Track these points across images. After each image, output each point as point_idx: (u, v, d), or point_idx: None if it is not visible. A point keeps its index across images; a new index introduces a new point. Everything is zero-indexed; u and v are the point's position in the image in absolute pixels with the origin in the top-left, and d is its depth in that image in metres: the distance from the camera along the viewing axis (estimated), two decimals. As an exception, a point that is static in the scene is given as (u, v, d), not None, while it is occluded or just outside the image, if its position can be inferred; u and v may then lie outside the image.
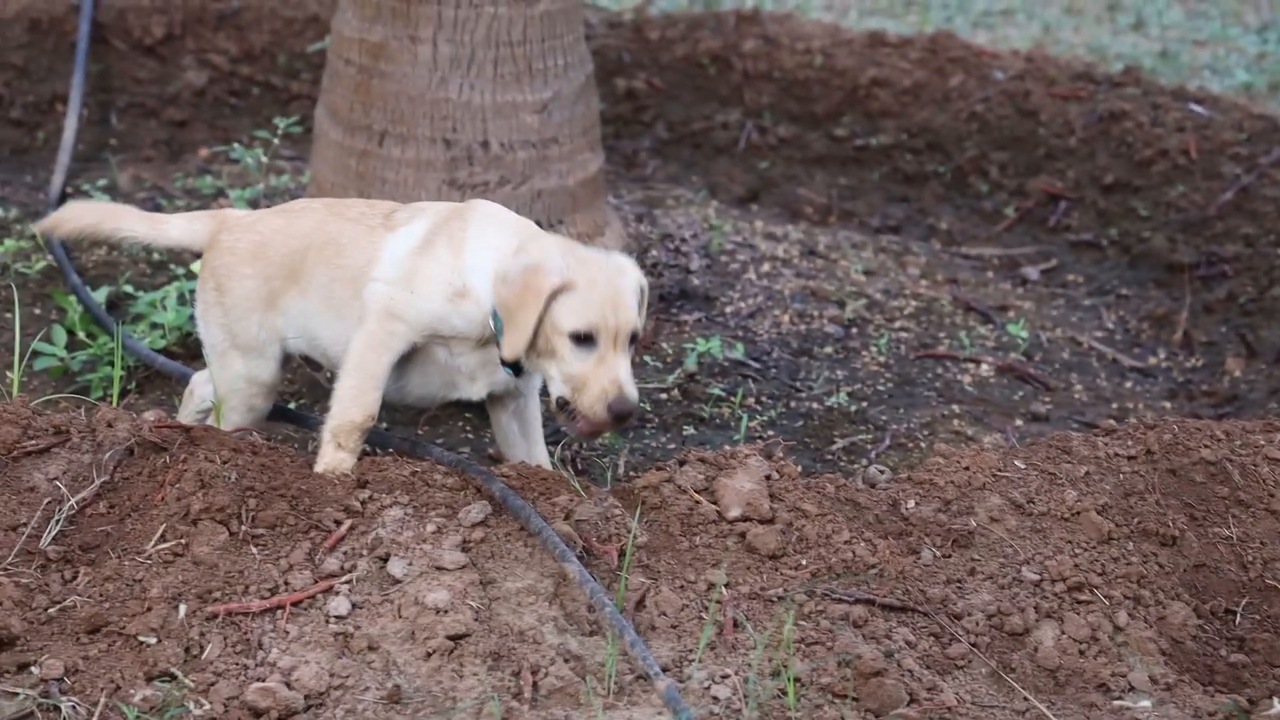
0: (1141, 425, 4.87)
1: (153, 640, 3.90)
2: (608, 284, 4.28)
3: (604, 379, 4.23)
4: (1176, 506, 4.58)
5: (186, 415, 5.02)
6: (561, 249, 4.38)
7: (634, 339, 4.32)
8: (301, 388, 5.59)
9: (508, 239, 4.44)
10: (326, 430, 4.48)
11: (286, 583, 4.03)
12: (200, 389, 5.06)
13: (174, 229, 4.93)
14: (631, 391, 4.24)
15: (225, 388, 4.77)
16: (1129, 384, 6.33)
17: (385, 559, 4.05)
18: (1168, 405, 6.18)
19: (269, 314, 4.70)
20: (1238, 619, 4.44)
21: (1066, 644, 4.21)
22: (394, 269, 4.47)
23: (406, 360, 4.56)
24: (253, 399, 4.79)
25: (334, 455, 4.44)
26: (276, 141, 6.97)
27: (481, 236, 4.44)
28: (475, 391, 4.60)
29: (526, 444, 4.79)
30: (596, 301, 4.24)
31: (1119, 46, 10.24)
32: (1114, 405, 6.12)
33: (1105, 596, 4.32)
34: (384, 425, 5.33)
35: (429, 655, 3.85)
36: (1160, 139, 7.62)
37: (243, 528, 4.12)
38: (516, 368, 4.43)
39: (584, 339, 4.25)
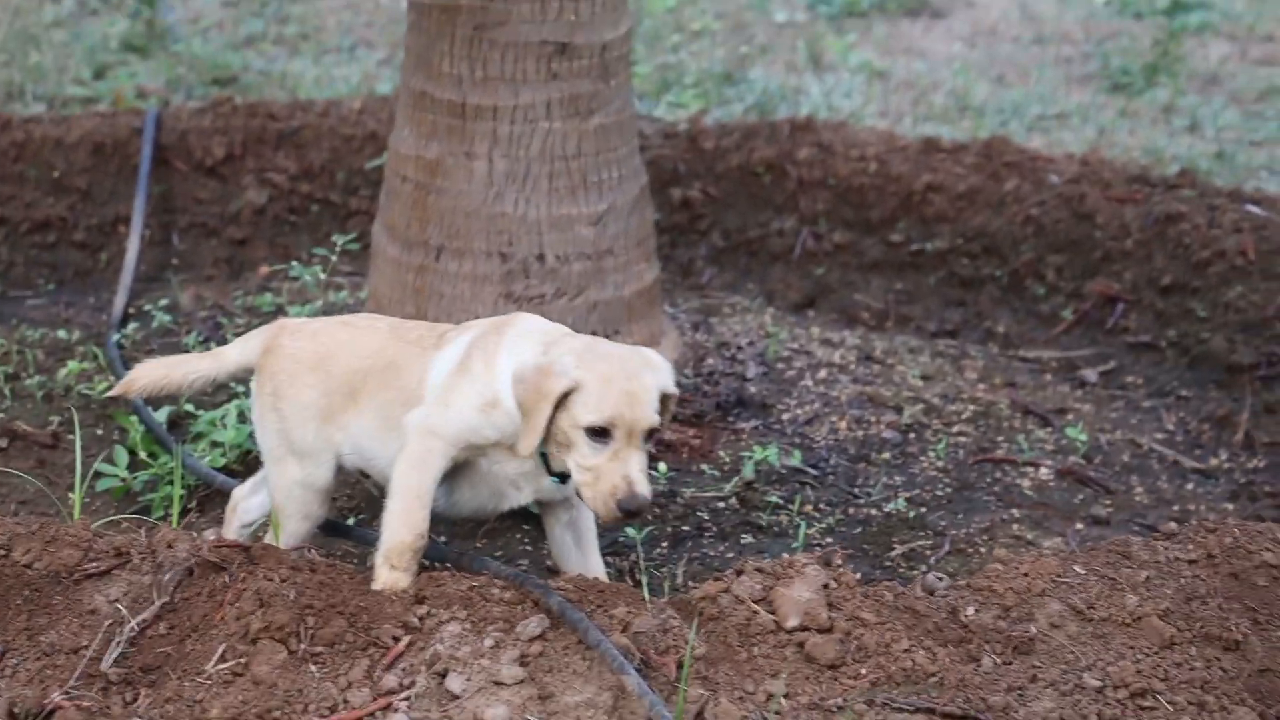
0: (1202, 528, 4.83)
1: (213, 760, 3.91)
2: (625, 380, 4.32)
3: (615, 475, 4.29)
4: (1239, 610, 4.53)
5: (230, 532, 5.05)
6: (581, 349, 4.42)
7: (651, 434, 4.36)
8: (360, 503, 5.62)
9: (535, 347, 4.49)
10: (379, 554, 4.50)
11: (346, 700, 4.03)
12: (242, 503, 5.10)
13: (232, 352, 5.00)
14: (641, 489, 4.29)
15: (282, 495, 4.80)
16: (1190, 486, 6.29)
17: (444, 674, 4.05)
18: (1230, 507, 6.12)
19: (325, 426, 4.74)
20: (1305, 724, 4.38)
21: (1131, 752, 4.16)
22: (434, 393, 4.53)
23: (452, 475, 4.60)
24: (309, 505, 4.82)
25: (389, 575, 4.46)
26: (334, 258, 7.05)
27: (513, 349, 4.49)
28: (523, 498, 4.65)
29: (581, 555, 4.81)
30: (611, 398, 4.29)
31: (1175, 148, 10.24)
32: (1175, 507, 6.07)
33: (1169, 703, 4.27)
34: (442, 539, 5.34)
35: (488, 771, 3.84)
36: (1217, 240, 7.60)
37: (302, 646, 4.13)
38: (563, 476, 4.48)
39: (598, 433, 4.30)
